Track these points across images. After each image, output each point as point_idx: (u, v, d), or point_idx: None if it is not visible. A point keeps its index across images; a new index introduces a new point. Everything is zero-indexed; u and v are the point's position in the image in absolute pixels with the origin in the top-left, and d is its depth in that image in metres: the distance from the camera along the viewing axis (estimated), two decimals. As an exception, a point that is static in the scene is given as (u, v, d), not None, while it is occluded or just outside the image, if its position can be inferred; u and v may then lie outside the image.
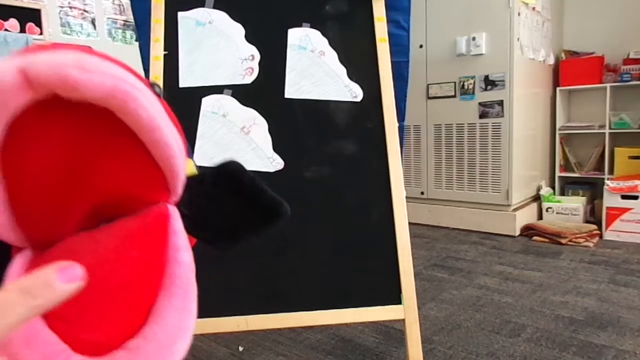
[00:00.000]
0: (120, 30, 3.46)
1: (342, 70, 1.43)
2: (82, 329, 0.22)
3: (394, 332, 1.81)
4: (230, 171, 0.27)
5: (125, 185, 0.25)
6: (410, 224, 1.38)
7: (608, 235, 3.05)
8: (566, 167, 3.68)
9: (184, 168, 0.27)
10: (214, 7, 1.43)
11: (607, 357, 1.59)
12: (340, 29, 1.47)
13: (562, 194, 3.69)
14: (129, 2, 1.67)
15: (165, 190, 0.27)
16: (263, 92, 1.39)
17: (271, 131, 1.38)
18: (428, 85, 3.48)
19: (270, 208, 0.36)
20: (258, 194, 0.35)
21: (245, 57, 1.41)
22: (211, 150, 1.31)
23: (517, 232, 3.20)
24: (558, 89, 3.59)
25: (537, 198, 3.52)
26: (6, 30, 2.61)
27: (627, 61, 3.36)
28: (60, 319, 0.21)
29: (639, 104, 3.40)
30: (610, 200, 3.03)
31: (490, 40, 3.16)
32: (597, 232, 3.06)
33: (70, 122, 0.23)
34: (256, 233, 0.32)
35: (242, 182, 0.34)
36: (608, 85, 3.34)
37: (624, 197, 2.99)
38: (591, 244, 2.93)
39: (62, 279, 0.21)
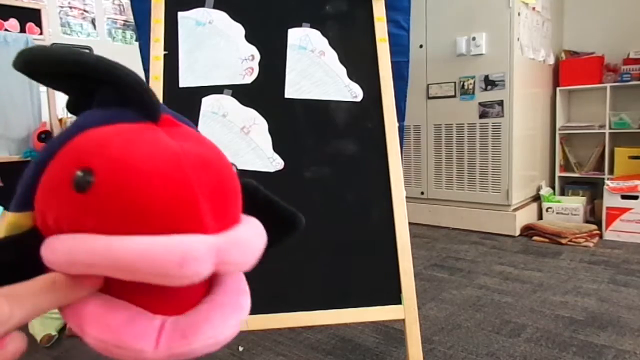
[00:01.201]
0: (120, 30, 3.46)
1: (342, 70, 1.43)
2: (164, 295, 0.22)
3: (394, 332, 1.81)
4: (244, 190, 0.28)
5: None
6: (410, 224, 1.38)
7: (608, 235, 3.05)
8: (566, 167, 3.67)
9: None
10: (214, 7, 1.43)
11: (607, 357, 1.59)
12: (340, 29, 1.47)
13: (562, 194, 3.68)
14: (129, 2, 1.67)
15: None
16: (263, 92, 1.39)
17: (271, 131, 1.38)
18: (428, 85, 3.48)
19: (286, 220, 0.36)
20: (273, 208, 0.35)
21: (245, 57, 1.41)
22: (211, 150, 1.31)
23: (517, 232, 3.20)
24: (558, 89, 3.59)
25: (537, 198, 3.51)
26: (6, 30, 2.61)
27: (627, 61, 3.36)
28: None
29: (639, 104, 3.40)
30: (610, 200, 3.03)
31: (490, 40, 3.16)
32: (597, 232, 3.06)
33: None
34: (274, 246, 0.31)
35: (257, 198, 0.34)
36: (608, 85, 3.34)
37: (624, 197, 2.99)
38: (591, 244, 2.93)
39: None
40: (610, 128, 3.37)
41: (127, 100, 0.24)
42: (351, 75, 1.43)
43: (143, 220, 0.20)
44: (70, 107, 0.29)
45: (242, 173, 0.29)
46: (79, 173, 0.21)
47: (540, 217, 3.46)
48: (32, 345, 1.73)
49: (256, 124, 1.37)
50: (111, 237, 0.20)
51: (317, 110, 1.41)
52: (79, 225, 0.21)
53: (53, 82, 0.26)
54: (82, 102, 0.27)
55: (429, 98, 3.49)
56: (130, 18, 3.13)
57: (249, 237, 0.24)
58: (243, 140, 1.36)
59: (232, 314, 0.23)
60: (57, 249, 0.21)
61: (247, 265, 0.23)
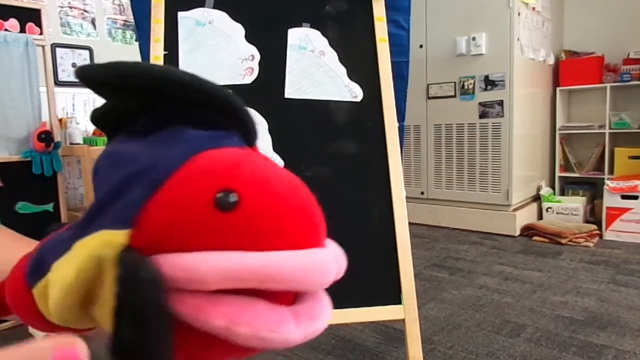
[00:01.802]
0: (120, 30, 3.46)
1: (342, 70, 1.43)
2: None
3: (394, 332, 1.81)
4: None
5: None
6: (410, 224, 1.38)
7: (608, 235, 3.05)
8: (566, 167, 3.68)
9: None
10: (214, 7, 1.43)
11: (607, 357, 1.59)
12: (340, 29, 1.47)
13: (562, 194, 3.69)
14: (129, 2, 1.67)
15: None
16: (263, 92, 1.39)
17: (271, 131, 1.38)
18: (428, 85, 3.48)
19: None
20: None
21: (245, 57, 1.41)
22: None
23: (517, 232, 3.20)
24: (558, 89, 3.59)
25: (537, 198, 3.52)
26: (6, 30, 2.61)
27: (627, 61, 3.36)
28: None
29: (639, 104, 3.40)
30: (610, 200, 3.03)
31: (490, 40, 3.16)
32: (597, 232, 3.06)
33: None
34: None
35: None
36: (608, 85, 3.34)
37: (624, 197, 2.99)
38: (591, 244, 2.93)
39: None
40: (610, 128, 3.37)
41: (226, 123, 0.25)
42: (351, 75, 1.43)
43: (283, 237, 0.22)
44: (103, 120, 0.29)
45: None
46: (221, 194, 0.22)
47: (540, 217, 3.46)
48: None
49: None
50: (265, 252, 0.22)
51: (317, 110, 1.41)
52: (219, 244, 0.21)
53: (116, 95, 0.26)
54: (124, 118, 0.27)
55: (429, 98, 3.49)
56: (130, 18, 3.13)
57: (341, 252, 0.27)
58: (243, 140, 1.36)
59: (329, 307, 0.26)
60: (210, 263, 0.21)
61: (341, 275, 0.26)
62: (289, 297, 0.24)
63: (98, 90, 0.26)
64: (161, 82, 0.24)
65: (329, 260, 0.24)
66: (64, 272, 0.22)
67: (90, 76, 0.25)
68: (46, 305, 0.23)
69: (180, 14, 1.42)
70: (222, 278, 0.21)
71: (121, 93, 0.26)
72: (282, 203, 0.23)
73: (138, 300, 0.20)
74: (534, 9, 3.29)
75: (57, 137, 2.80)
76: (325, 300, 0.25)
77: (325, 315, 0.24)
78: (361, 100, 1.43)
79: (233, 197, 0.22)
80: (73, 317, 0.24)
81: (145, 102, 0.26)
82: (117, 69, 0.24)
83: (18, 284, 0.25)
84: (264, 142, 1.37)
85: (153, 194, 0.22)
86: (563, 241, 2.96)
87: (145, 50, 1.50)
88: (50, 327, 0.25)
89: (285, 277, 0.21)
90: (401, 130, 1.53)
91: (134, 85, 0.24)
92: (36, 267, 0.24)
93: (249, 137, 0.26)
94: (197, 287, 0.21)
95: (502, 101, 3.14)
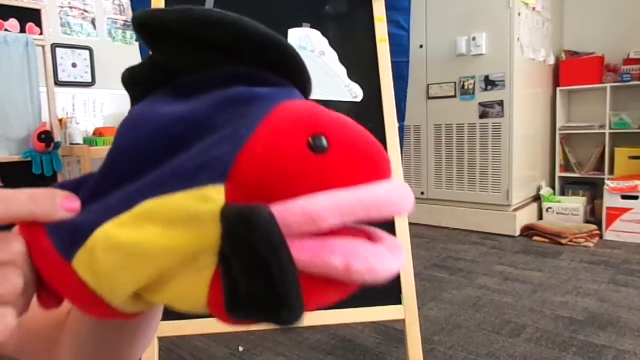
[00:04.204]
0: (120, 30, 3.46)
1: (342, 70, 1.43)
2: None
3: (394, 332, 1.81)
4: None
5: None
6: (410, 224, 1.38)
7: (608, 235, 3.05)
8: (566, 167, 3.67)
9: None
10: (214, 7, 1.43)
11: (607, 357, 1.59)
12: (340, 29, 1.47)
13: (562, 194, 3.68)
14: (129, 2, 1.67)
15: None
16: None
17: (271, 131, 1.37)
18: (428, 85, 3.48)
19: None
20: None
21: (245, 57, 1.41)
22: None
23: (517, 232, 3.20)
24: (558, 89, 3.59)
25: (537, 198, 3.52)
26: (6, 30, 2.61)
27: (627, 61, 3.36)
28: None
29: (639, 104, 3.40)
30: (610, 200, 3.03)
31: (490, 40, 3.16)
32: (597, 232, 3.06)
33: None
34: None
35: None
36: (608, 85, 3.34)
37: (624, 197, 2.99)
38: (591, 244, 2.93)
39: (64, 207, 0.24)
40: (610, 128, 3.37)
41: (287, 80, 0.26)
42: (351, 75, 1.43)
43: (372, 170, 0.24)
44: (134, 79, 0.29)
45: None
46: (314, 138, 0.23)
47: (540, 217, 3.46)
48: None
49: (256, 124, 1.37)
50: (365, 185, 0.24)
51: (317, 110, 1.40)
52: (322, 184, 0.23)
53: (173, 47, 0.26)
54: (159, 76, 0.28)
55: (429, 98, 3.49)
56: (130, 18, 3.12)
57: None
58: (243, 140, 1.36)
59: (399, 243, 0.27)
60: (325, 202, 0.22)
61: None
62: (367, 237, 0.25)
63: (154, 39, 0.25)
64: (239, 36, 0.25)
65: (409, 191, 0.26)
66: (143, 233, 0.21)
67: (159, 19, 0.24)
68: (93, 273, 0.22)
69: (180, 14, 1.41)
70: (338, 213, 0.22)
71: (181, 44, 0.25)
72: (364, 141, 0.25)
73: (265, 246, 0.20)
74: (534, 9, 3.29)
75: (57, 137, 2.80)
76: (394, 238, 0.26)
77: (401, 249, 0.25)
78: (361, 100, 1.43)
79: (324, 140, 0.23)
80: (130, 286, 0.23)
81: (207, 58, 0.26)
82: (190, 14, 0.24)
83: (50, 259, 0.23)
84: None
85: (243, 147, 0.22)
86: (563, 241, 2.96)
87: (145, 50, 1.50)
88: (96, 303, 0.23)
89: (388, 204, 0.24)
90: (401, 130, 1.53)
91: (204, 35, 0.24)
92: (72, 236, 0.23)
93: (306, 93, 0.28)
94: (311, 228, 0.22)
95: (502, 101, 3.14)
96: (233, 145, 0.22)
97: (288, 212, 0.21)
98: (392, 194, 0.24)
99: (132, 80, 0.29)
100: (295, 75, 0.27)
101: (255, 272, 0.21)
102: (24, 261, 0.23)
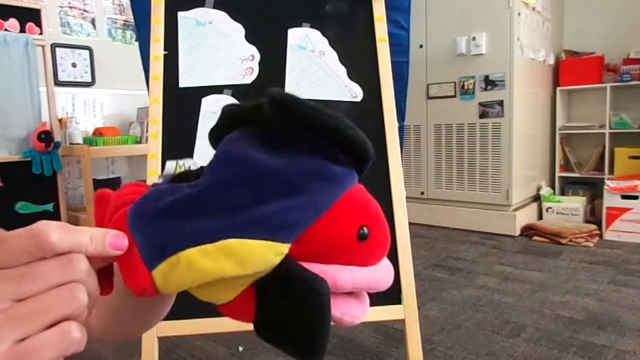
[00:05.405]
0: (120, 30, 3.46)
1: (342, 70, 1.43)
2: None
3: (394, 332, 1.81)
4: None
5: None
6: (410, 224, 1.38)
7: (608, 235, 3.05)
8: (566, 167, 3.67)
9: None
10: (214, 7, 1.43)
11: (607, 357, 1.59)
12: (340, 29, 1.47)
13: (562, 194, 3.68)
14: (129, 2, 1.67)
15: None
16: (263, 92, 1.39)
17: (271, 131, 1.37)
18: (428, 85, 3.48)
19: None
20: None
21: (245, 57, 1.41)
22: (211, 151, 1.31)
23: (517, 232, 3.20)
24: (558, 89, 3.59)
25: (537, 198, 3.51)
26: (6, 30, 2.61)
27: (627, 61, 3.36)
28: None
29: (639, 104, 3.40)
30: (610, 200, 3.03)
31: (490, 40, 3.16)
32: (597, 232, 3.06)
33: None
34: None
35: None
36: (608, 85, 3.34)
37: (624, 197, 2.99)
38: (591, 244, 2.93)
39: (113, 247, 0.28)
40: (610, 128, 3.37)
41: (352, 164, 0.33)
42: (351, 75, 1.43)
43: (382, 254, 0.34)
44: (238, 114, 0.35)
45: None
46: (362, 230, 0.31)
47: (540, 217, 3.46)
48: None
49: (256, 124, 1.37)
50: (374, 267, 0.33)
51: (317, 110, 1.40)
52: (349, 261, 0.31)
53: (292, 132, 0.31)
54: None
55: (429, 98, 3.49)
56: (130, 18, 3.13)
57: None
58: (243, 140, 1.36)
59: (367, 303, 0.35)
60: (346, 276, 0.31)
61: None
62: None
63: (281, 116, 0.31)
64: (332, 138, 0.31)
65: (391, 265, 0.35)
66: (218, 266, 0.28)
67: (298, 113, 0.30)
68: (166, 279, 0.28)
69: (180, 14, 1.42)
70: (352, 286, 0.31)
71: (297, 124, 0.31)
72: (386, 232, 0.33)
73: (319, 314, 0.29)
74: (534, 9, 3.29)
75: (57, 137, 2.80)
76: (366, 300, 0.35)
77: (367, 300, 0.35)
78: (361, 100, 1.43)
79: (367, 232, 0.31)
80: (185, 288, 0.30)
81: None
82: (321, 120, 0.30)
83: (136, 263, 0.29)
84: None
85: (316, 221, 0.29)
86: (563, 241, 2.97)
87: (145, 50, 1.50)
88: (151, 292, 0.29)
89: (381, 283, 0.33)
90: (401, 130, 1.53)
91: (319, 132, 0.30)
92: (159, 251, 0.28)
93: (360, 178, 0.35)
94: (332, 289, 0.30)
95: (502, 101, 3.14)
96: (311, 217, 0.29)
97: (321, 274, 0.30)
98: (386, 275, 0.34)
99: (236, 117, 0.35)
100: (362, 166, 0.34)
101: (296, 319, 0.29)
102: (88, 276, 0.27)
